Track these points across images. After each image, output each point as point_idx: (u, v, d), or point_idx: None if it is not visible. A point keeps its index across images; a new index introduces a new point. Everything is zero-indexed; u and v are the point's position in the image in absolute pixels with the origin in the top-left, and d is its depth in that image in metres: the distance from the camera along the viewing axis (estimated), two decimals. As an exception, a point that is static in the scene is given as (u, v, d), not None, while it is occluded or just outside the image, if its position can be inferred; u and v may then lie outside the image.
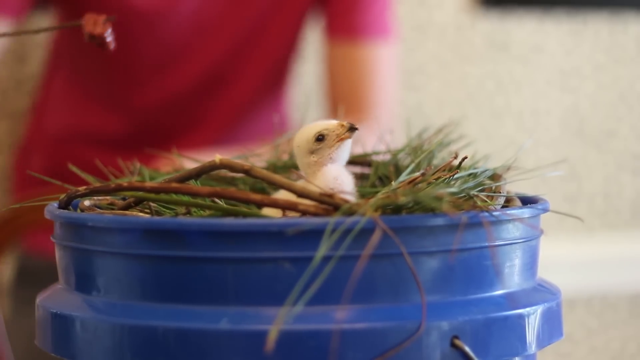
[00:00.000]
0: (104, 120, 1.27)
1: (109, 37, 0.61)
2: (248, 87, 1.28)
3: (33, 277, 1.25)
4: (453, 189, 0.55)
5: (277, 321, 0.49)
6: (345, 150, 0.62)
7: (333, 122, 0.61)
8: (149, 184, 0.55)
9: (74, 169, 0.71)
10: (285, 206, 0.53)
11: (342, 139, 0.60)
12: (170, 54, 1.23)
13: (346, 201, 0.52)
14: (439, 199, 0.52)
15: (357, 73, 1.26)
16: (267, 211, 0.59)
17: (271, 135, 1.29)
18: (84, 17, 0.62)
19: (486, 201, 0.57)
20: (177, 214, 0.60)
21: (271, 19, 1.26)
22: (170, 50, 1.23)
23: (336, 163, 0.61)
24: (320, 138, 0.61)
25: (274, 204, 0.53)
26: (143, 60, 1.24)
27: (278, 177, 0.55)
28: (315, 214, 0.52)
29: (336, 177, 0.60)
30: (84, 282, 0.56)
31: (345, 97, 1.24)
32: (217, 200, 0.58)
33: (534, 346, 0.55)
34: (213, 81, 1.25)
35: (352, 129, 0.60)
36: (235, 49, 1.25)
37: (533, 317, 0.55)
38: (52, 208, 0.60)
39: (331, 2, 1.27)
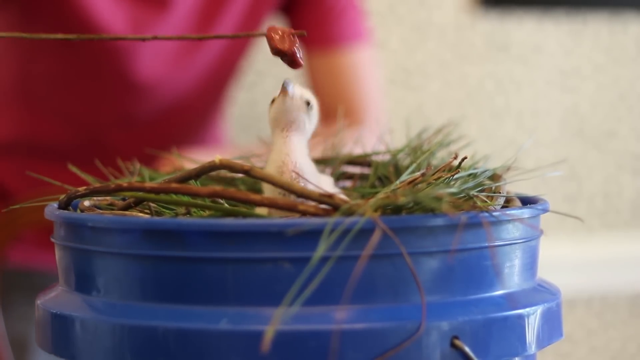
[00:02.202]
0: (48, 132, 1.24)
1: (299, 53, 0.58)
2: (201, 110, 1.29)
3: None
4: (453, 189, 0.55)
5: (273, 322, 0.49)
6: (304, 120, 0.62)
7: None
8: (148, 184, 0.55)
9: (74, 168, 0.71)
10: (285, 206, 0.53)
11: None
12: (132, 83, 1.21)
13: (346, 201, 0.52)
14: (438, 199, 0.52)
15: (343, 80, 1.26)
16: (260, 210, 0.59)
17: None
18: (268, 29, 0.58)
19: (486, 201, 0.57)
20: (177, 214, 0.60)
21: (234, 53, 1.26)
22: (133, 80, 1.21)
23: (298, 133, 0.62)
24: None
25: (274, 204, 0.54)
26: (103, 84, 1.22)
27: (278, 177, 0.55)
28: (315, 215, 0.52)
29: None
30: (84, 282, 0.56)
31: (335, 105, 1.25)
32: (217, 200, 0.58)
33: (533, 346, 0.55)
34: (171, 107, 1.25)
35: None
36: (198, 82, 1.25)
37: (533, 318, 0.55)
38: (52, 208, 0.60)
39: (302, 15, 1.27)
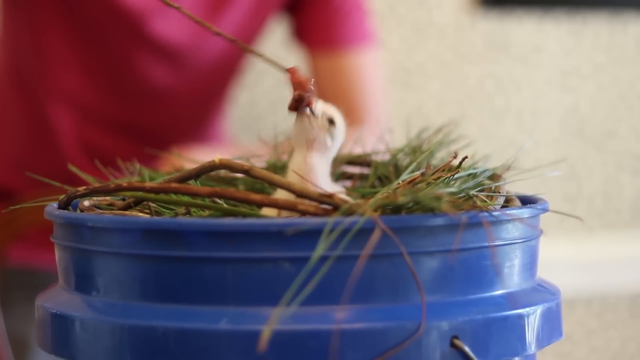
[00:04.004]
0: (46, 115, 1.24)
1: (308, 102, 0.60)
2: (200, 101, 1.29)
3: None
4: (453, 189, 0.55)
5: (271, 321, 0.49)
6: (332, 142, 0.61)
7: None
8: (148, 184, 0.55)
9: (73, 168, 0.71)
10: (285, 206, 0.53)
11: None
12: (135, 54, 1.21)
13: (345, 201, 0.52)
14: (438, 199, 0.52)
15: (346, 82, 1.26)
16: (266, 211, 0.59)
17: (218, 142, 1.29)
18: (290, 69, 0.59)
19: (486, 201, 0.57)
20: (176, 214, 0.60)
21: (235, 53, 1.26)
22: (137, 51, 1.21)
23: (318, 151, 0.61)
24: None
25: (274, 204, 0.54)
26: (108, 49, 1.22)
27: (278, 177, 0.55)
28: (314, 214, 0.52)
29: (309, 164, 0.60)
30: (83, 282, 0.56)
31: (337, 106, 1.25)
32: (216, 200, 0.58)
33: (533, 346, 0.55)
34: (174, 92, 1.25)
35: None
36: (198, 77, 1.24)
37: (533, 317, 0.55)
38: (51, 208, 0.60)
39: (307, 16, 1.27)
